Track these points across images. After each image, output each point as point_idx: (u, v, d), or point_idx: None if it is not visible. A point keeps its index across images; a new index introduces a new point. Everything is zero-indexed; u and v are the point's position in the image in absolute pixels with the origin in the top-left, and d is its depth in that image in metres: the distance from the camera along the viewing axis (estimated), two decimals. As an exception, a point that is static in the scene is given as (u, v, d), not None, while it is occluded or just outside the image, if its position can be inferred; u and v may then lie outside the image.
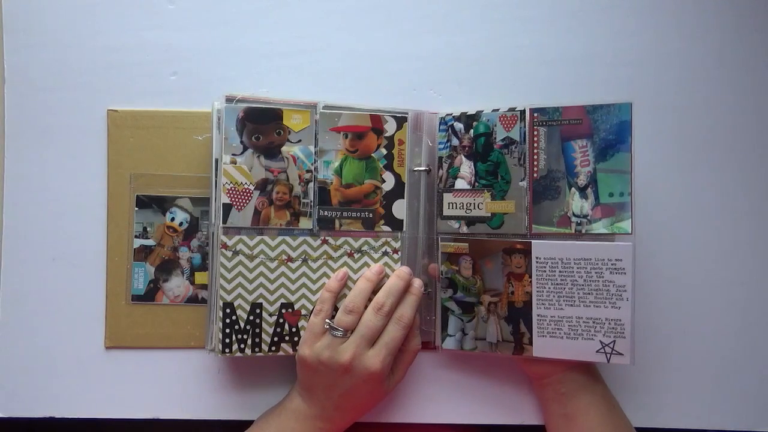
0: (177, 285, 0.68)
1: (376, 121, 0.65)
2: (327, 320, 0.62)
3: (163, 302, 0.68)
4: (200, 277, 0.68)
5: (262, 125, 0.63)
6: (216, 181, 0.64)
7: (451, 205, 0.65)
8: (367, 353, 0.61)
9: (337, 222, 0.65)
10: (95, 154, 0.68)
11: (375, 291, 0.63)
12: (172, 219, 0.68)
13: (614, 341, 0.60)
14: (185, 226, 0.68)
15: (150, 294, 0.68)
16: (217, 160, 0.64)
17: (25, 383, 0.68)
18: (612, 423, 0.63)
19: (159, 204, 0.68)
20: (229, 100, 0.63)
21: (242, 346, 0.63)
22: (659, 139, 0.69)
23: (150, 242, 0.68)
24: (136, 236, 0.68)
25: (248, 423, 0.66)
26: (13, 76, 0.68)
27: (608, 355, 0.60)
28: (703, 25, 0.70)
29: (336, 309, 0.63)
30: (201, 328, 0.68)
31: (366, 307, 0.62)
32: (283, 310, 0.64)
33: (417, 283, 0.64)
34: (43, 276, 0.68)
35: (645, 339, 0.68)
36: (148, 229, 0.68)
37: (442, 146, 0.66)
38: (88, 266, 0.68)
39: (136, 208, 0.68)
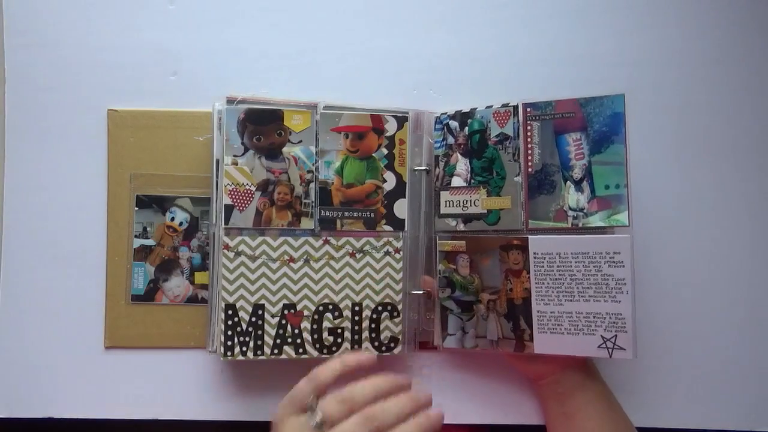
0: (177, 285, 0.68)
1: (377, 121, 0.65)
2: (313, 397, 0.54)
3: (162, 302, 0.68)
4: (200, 277, 0.68)
5: (263, 126, 0.63)
6: (217, 182, 0.64)
7: (448, 203, 0.65)
8: None
9: (338, 222, 0.65)
10: (95, 154, 0.68)
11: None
12: (172, 219, 0.68)
13: (615, 336, 0.59)
14: (185, 225, 0.68)
15: (150, 294, 0.68)
16: (218, 161, 0.64)
17: (25, 383, 0.68)
18: (611, 420, 0.63)
19: (159, 204, 0.68)
20: (230, 101, 0.63)
21: (244, 349, 0.63)
22: (658, 136, 0.70)
23: (150, 242, 0.68)
24: (136, 236, 0.68)
25: (249, 423, 0.66)
26: (13, 76, 0.68)
27: (610, 350, 0.60)
28: (703, 25, 0.70)
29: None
30: (201, 328, 0.68)
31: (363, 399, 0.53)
32: (286, 311, 0.64)
33: (434, 414, 0.54)
34: (43, 276, 0.68)
35: (645, 338, 0.68)
36: (148, 228, 0.68)
37: (438, 145, 0.66)
38: (88, 266, 0.68)
39: (136, 208, 0.68)
